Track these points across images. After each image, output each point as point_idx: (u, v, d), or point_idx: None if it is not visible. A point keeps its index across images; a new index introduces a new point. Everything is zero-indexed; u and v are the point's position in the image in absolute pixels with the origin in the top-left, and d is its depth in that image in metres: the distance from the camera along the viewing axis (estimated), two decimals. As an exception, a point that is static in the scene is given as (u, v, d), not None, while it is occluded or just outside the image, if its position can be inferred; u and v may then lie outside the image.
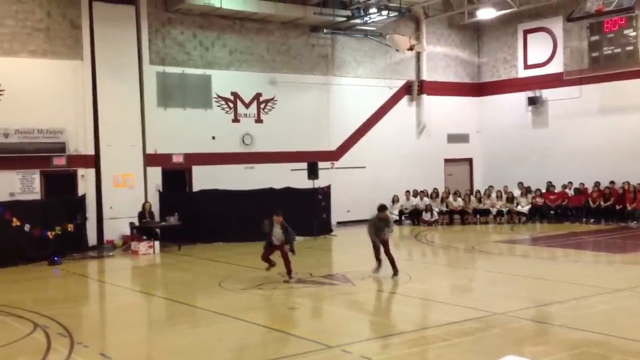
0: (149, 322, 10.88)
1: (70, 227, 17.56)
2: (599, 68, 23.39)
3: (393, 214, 24.12)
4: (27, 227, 16.30)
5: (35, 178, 18.64)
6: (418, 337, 8.78)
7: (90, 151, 19.34)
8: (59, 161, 18.97)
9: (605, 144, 23.14)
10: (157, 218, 19.21)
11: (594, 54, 23.56)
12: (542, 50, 25.21)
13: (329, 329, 9.43)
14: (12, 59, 18.28)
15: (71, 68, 19.12)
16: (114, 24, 19.50)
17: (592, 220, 22.11)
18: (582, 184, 22.90)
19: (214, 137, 21.56)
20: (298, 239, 19.67)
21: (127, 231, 18.80)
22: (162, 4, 20.71)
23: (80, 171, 19.33)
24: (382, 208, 13.49)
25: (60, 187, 18.85)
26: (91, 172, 19.37)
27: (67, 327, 9.37)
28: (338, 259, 17.66)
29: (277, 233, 13.08)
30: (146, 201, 19.14)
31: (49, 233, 16.81)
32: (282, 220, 13.10)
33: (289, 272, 12.95)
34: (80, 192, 19.10)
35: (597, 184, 22.61)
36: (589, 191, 22.74)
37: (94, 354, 8.22)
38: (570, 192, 23.09)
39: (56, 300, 12.20)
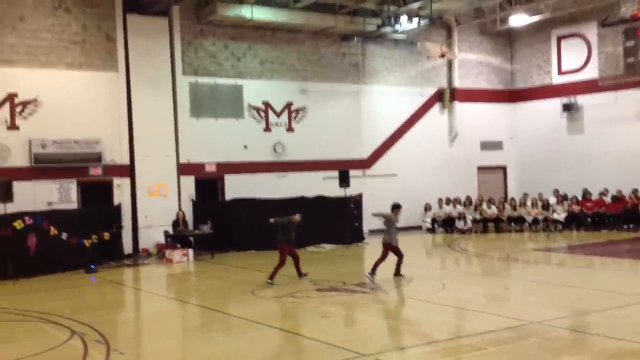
0: (183, 329, 10.96)
1: (107, 235, 17.83)
2: (634, 74, 23.00)
3: (426, 222, 24.01)
4: (64, 236, 16.58)
5: (72, 188, 18.98)
6: (452, 346, 8.69)
7: (126, 161, 19.64)
8: (95, 171, 19.29)
9: (642, 151, 22.71)
10: (190, 227, 19.40)
11: (630, 60, 23.18)
12: (576, 56, 24.88)
13: (362, 337, 9.39)
14: (49, 71, 18.69)
15: (106, 80, 19.47)
16: (148, 36, 19.82)
17: (631, 226, 21.67)
18: (620, 190, 22.50)
19: (245, 146, 21.72)
20: (330, 247, 19.84)
21: (162, 239, 19.02)
22: (195, 16, 20.98)
23: (116, 181, 19.64)
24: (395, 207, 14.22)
25: (97, 196, 19.17)
26: (126, 181, 19.67)
27: (103, 334, 9.49)
28: (370, 267, 17.57)
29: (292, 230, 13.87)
30: (180, 210, 19.35)
31: (85, 241, 17.08)
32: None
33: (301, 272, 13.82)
34: (115, 202, 19.39)
35: (634, 191, 22.19)
36: (626, 198, 22.32)
37: (130, 361, 8.31)
38: (608, 200, 22.70)
39: (93, 307, 12.37)
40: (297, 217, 14.00)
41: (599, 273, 14.82)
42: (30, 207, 16.78)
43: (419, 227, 24.02)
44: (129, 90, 19.65)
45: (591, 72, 24.41)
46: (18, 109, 18.32)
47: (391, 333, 9.70)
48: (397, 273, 13.75)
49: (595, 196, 22.99)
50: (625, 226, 21.81)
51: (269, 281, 13.48)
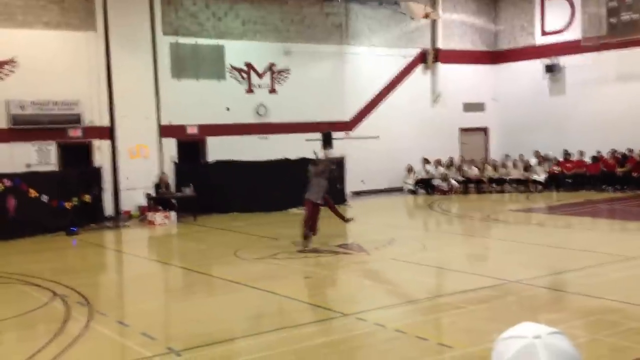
0: (166, 291, 11.01)
1: (87, 198, 17.71)
2: (617, 34, 22.97)
3: (407, 183, 24.11)
4: (44, 198, 16.45)
5: (51, 149, 18.76)
6: (432, 304, 8.82)
7: (106, 123, 19.41)
8: (75, 132, 19.06)
9: (623, 111, 22.83)
10: (172, 189, 19.33)
11: (612, 20, 23.13)
12: (559, 16, 24.78)
13: (344, 297, 9.50)
14: (26, 31, 18.28)
15: (85, 39, 19.10)
16: (127, -6, 19.41)
17: (609, 188, 21.92)
18: (599, 151, 22.69)
19: (228, 108, 21.52)
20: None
21: (143, 202, 18.95)
22: (175, -27, 20.55)
23: (96, 142, 19.43)
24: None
25: (76, 158, 18.97)
26: (107, 143, 19.48)
27: (85, 296, 9.50)
28: (352, 229, 17.64)
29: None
30: (162, 172, 19.25)
31: (66, 204, 16.96)
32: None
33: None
34: (96, 164, 19.21)
35: (612, 151, 22.39)
36: (606, 159, 22.52)
37: (113, 322, 8.35)
38: (587, 160, 22.90)
39: (74, 269, 12.37)
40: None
41: (577, 233, 15.04)
42: (8, 170, 16.58)
43: (400, 189, 24.13)
44: (107, 50, 19.31)
45: (574, 33, 24.35)
46: (-6, 70, 17.97)
47: (372, 293, 9.81)
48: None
49: (575, 157, 23.16)
50: (604, 186, 22.05)
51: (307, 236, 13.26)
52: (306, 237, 13.11)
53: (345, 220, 14.12)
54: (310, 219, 13.22)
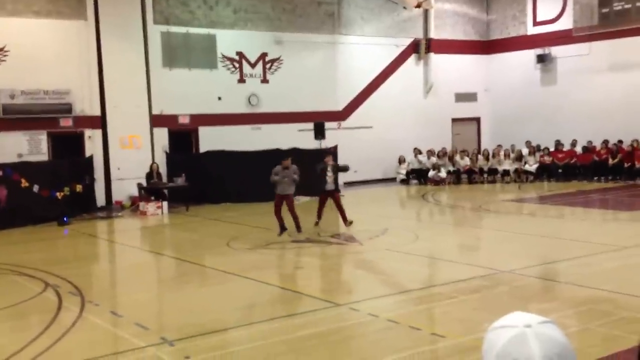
0: (158, 281, 11.00)
1: (79, 188, 17.66)
2: (608, 24, 23.02)
3: (400, 173, 24.14)
4: (35, 188, 16.39)
5: (42, 139, 18.67)
6: (425, 294, 8.85)
7: (97, 112, 19.32)
8: (66, 122, 18.97)
9: (615, 102, 22.92)
10: (164, 179, 19.28)
11: (604, 10, 23.17)
12: (551, 6, 24.79)
13: (337, 287, 9.52)
14: (16, 20, 18.14)
15: (75, 28, 18.98)
16: (117, -18, 19.27)
17: (601, 178, 22.01)
18: (590, 141, 22.77)
19: (219, 98, 21.45)
20: (304, 199, 19.91)
21: (135, 192, 18.90)
22: (166, -39, 20.41)
23: (87, 132, 19.35)
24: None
25: (68, 148, 18.90)
26: (98, 133, 19.39)
27: (77, 286, 9.48)
28: (344, 219, 17.69)
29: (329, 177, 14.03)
30: (153, 162, 19.19)
31: (57, 194, 16.91)
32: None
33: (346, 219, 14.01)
34: (87, 153, 19.14)
35: (605, 141, 22.47)
36: (597, 149, 22.61)
37: (105, 312, 8.34)
38: (579, 150, 22.98)
39: (66, 260, 12.34)
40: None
41: (569, 223, 15.11)
42: (-1, 160, 16.51)
43: (393, 179, 24.16)
44: (98, 39, 19.18)
45: (566, 23, 24.37)
46: (-16, 59, 17.83)
47: (365, 283, 9.84)
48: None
49: (567, 147, 23.24)
50: (596, 178, 22.14)
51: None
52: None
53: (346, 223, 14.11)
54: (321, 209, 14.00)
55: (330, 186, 13.92)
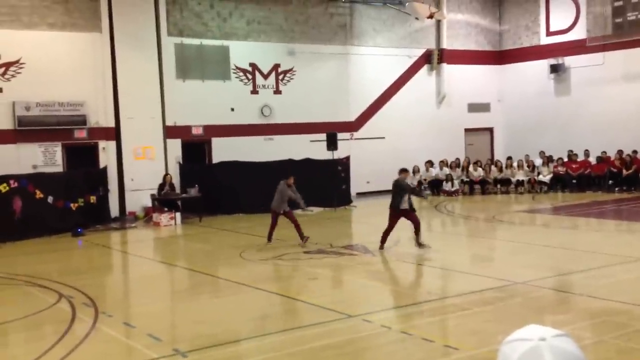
0: (171, 292, 11.02)
1: (93, 199, 17.76)
2: (622, 34, 22.91)
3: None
4: (50, 199, 16.50)
5: (57, 151, 18.82)
6: (438, 306, 8.80)
7: (111, 123, 19.43)
8: (80, 134, 19.11)
9: (629, 112, 22.77)
10: (177, 190, 19.35)
11: (618, 20, 23.08)
12: (564, 16, 24.72)
13: (350, 298, 9.49)
14: (32, 32, 18.35)
15: (90, 40, 19.16)
16: (132, -5, 19.46)
17: (616, 188, 21.83)
18: (605, 152, 22.62)
19: (232, 109, 21.55)
20: (317, 209, 19.90)
21: (149, 203, 18.98)
22: (179, -26, 20.59)
23: (102, 144, 19.48)
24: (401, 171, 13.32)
25: (82, 159, 19.03)
26: (112, 144, 19.49)
27: (91, 297, 9.52)
28: (358, 230, 17.70)
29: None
30: (167, 173, 19.28)
31: (72, 205, 17.01)
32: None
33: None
34: (101, 165, 19.27)
35: (619, 152, 22.31)
36: (612, 159, 22.45)
37: (118, 324, 8.37)
38: (593, 161, 22.83)
39: (80, 271, 12.39)
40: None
41: (583, 234, 15.00)
42: (14, 171, 16.64)
43: (406, 189, 24.06)
44: (113, 51, 19.31)
45: (579, 33, 24.29)
46: (0, 71, 18.02)
47: (378, 294, 9.80)
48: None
49: (581, 157, 23.09)
50: (610, 182, 21.93)
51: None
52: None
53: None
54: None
55: (404, 205, 12.55)
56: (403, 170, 13.38)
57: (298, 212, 19.37)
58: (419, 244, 12.57)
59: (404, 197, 12.52)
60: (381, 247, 12.66)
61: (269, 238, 13.81)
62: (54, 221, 16.39)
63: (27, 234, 15.62)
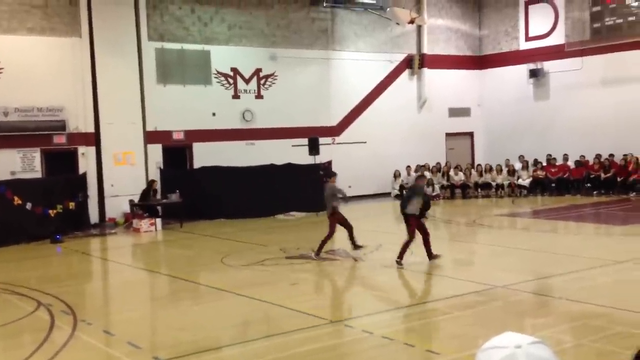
0: (151, 299, 10.94)
1: (72, 205, 17.59)
2: (600, 39, 23.19)
3: (395, 189, 24.16)
4: (28, 206, 16.32)
5: (35, 156, 18.62)
6: (419, 310, 8.83)
7: (91, 129, 19.30)
8: (60, 139, 18.94)
9: (607, 116, 23.03)
10: (158, 195, 19.25)
11: (596, 25, 23.36)
12: (543, 21, 24.98)
13: (332, 304, 9.49)
14: (10, 37, 18.15)
15: (69, 45, 19.00)
16: (112, 0, 19.32)
17: (594, 192, 22.06)
18: (583, 156, 22.85)
19: (214, 114, 21.48)
20: (299, 214, 19.88)
21: (129, 209, 18.84)
22: (160, -21, 20.51)
23: (81, 149, 19.31)
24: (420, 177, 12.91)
25: (61, 165, 18.85)
26: (92, 150, 19.35)
27: (70, 305, 9.42)
28: (340, 235, 17.65)
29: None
30: (153, 180, 19.19)
31: (50, 211, 16.84)
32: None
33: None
34: (81, 170, 19.09)
35: (598, 156, 22.55)
36: (590, 163, 22.69)
37: (98, 331, 8.28)
38: (571, 165, 23.05)
39: (59, 278, 12.26)
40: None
41: (562, 237, 15.12)
42: (-8, 177, 16.45)
43: (388, 194, 24.17)
44: (92, 56, 19.21)
45: (558, 38, 24.55)
46: (-22, 76, 17.83)
47: (360, 299, 9.81)
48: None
49: (559, 161, 23.31)
50: (588, 185, 22.17)
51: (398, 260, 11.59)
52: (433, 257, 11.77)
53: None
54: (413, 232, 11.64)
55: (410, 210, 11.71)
56: (421, 177, 13.14)
57: (280, 216, 19.44)
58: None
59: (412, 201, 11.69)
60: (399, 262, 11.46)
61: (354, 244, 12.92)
62: (32, 228, 16.22)
63: (5, 241, 15.42)
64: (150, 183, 18.81)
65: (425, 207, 11.95)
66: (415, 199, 11.73)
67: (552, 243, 13.97)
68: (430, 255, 11.74)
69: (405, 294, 9.98)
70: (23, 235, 16.01)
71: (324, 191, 13.25)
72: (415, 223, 11.66)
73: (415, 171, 24.14)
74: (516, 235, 15.65)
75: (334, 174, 13.68)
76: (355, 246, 13.00)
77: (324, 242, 12.59)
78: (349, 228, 12.99)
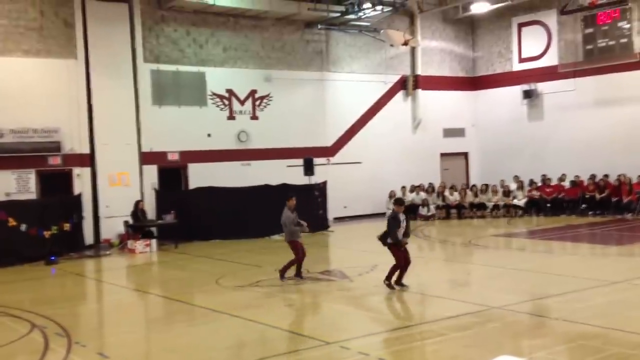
0: (146, 320, 10.87)
1: (67, 226, 17.52)
2: (593, 60, 23.42)
3: (390, 209, 24.14)
4: (23, 227, 16.26)
5: (30, 178, 18.60)
6: (415, 332, 8.79)
7: (86, 150, 19.25)
8: (55, 160, 18.92)
9: (601, 136, 23.17)
10: (153, 216, 19.19)
11: (589, 47, 23.61)
12: (536, 43, 25.21)
13: (327, 325, 9.43)
14: (6, 59, 18.23)
15: (65, 67, 19.06)
16: (107, 22, 19.42)
17: (590, 212, 22.10)
18: (578, 176, 22.93)
19: (209, 135, 21.53)
20: (279, 237, 19.74)
21: (124, 230, 18.77)
22: (156, 1, 20.65)
23: (76, 170, 19.29)
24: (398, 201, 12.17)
25: (56, 186, 18.82)
26: (87, 171, 19.26)
27: (64, 327, 9.35)
28: (335, 255, 17.67)
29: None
30: (141, 199, 19.13)
31: (45, 233, 16.76)
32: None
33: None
34: (76, 191, 19.06)
35: (592, 176, 22.65)
36: (585, 183, 22.77)
37: (92, 354, 8.21)
38: (566, 185, 23.13)
39: (53, 300, 12.18)
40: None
41: (558, 258, 15.12)
42: (-13, 198, 16.41)
43: (383, 214, 24.12)
44: (88, 77, 19.16)
45: (551, 59, 24.77)
46: (-27, 98, 17.84)
47: (355, 320, 9.76)
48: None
49: (554, 182, 23.39)
50: (583, 206, 22.21)
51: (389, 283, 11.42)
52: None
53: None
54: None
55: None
56: (398, 202, 12.26)
57: (276, 237, 19.36)
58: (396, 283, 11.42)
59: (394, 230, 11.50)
60: (398, 284, 11.36)
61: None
62: (27, 249, 16.14)
63: (0, 263, 15.34)
64: (136, 204, 18.71)
65: (405, 234, 11.67)
66: (397, 229, 11.48)
67: (547, 263, 13.96)
68: (398, 281, 11.32)
69: (401, 315, 9.94)
70: (17, 256, 15.94)
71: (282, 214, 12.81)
72: (396, 250, 11.41)
73: (411, 191, 24.23)
74: (512, 255, 15.64)
75: (291, 196, 13.00)
76: (297, 275, 12.55)
77: (291, 265, 12.43)
78: (301, 258, 12.57)
